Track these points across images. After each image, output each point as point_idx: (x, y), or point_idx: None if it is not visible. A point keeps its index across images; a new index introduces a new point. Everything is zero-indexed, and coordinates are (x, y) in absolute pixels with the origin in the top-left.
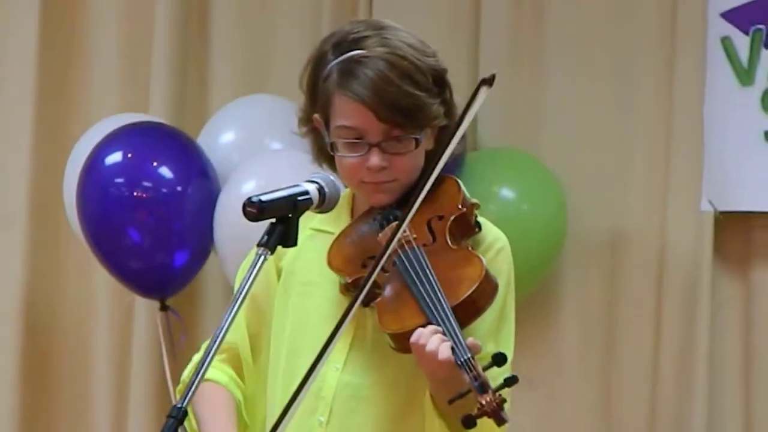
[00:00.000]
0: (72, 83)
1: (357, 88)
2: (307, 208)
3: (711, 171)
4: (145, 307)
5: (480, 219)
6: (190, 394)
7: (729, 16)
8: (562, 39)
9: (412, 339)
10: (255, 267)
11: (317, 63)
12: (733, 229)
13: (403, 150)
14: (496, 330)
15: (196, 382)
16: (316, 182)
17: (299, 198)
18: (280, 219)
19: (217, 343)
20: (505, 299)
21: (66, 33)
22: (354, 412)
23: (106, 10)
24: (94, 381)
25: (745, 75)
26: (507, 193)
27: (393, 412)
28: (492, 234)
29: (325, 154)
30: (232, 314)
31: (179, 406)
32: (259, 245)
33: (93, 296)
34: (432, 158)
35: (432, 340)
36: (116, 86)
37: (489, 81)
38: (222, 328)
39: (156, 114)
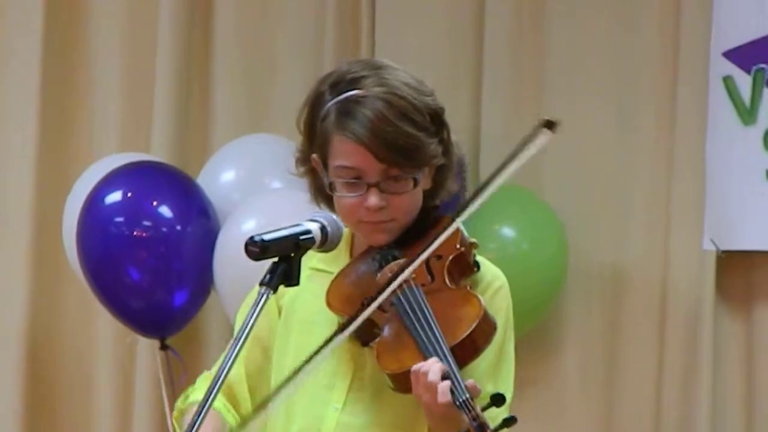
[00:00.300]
0: (73, 122)
1: (355, 128)
2: (310, 248)
3: (713, 209)
4: (146, 347)
5: (478, 258)
6: (195, 428)
7: (731, 55)
8: (563, 79)
9: (414, 368)
10: (257, 306)
11: (315, 103)
12: (736, 268)
13: (401, 190)
14: (494, 369)
15: (198, 422)
16: (318, 221)
17: (301, 237)
18: (282, 258)
19: (220, 380)
20: (504, 338)
21: (68, 71)
22: None
23: (109, 48)
24: (97, 420)
25: (747, 114)
26: (507, 231)
27: None
28: (490, 273)
29: (323, 194)
30: (235, 351)
31: None
32: (261, 284)
33: (95, 335)
34: (429, 197)
35: (433, 369)
36: (118, 125)
37: (552, 126)
38: (225, 366)
39: (157, 153)
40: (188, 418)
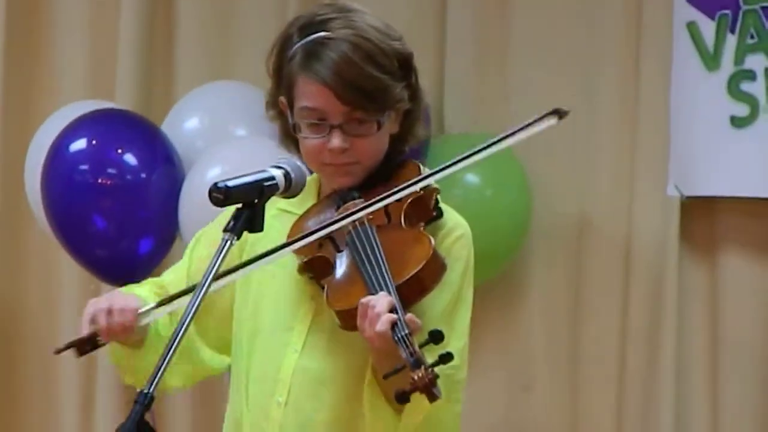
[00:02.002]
0: (38, 70)
1: (319, 70)
2: (273, 194)
3: (677, 156)
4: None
5: (443, 206)
6: (156, 379)
7: (695, 1)
8: (528, 26)
9: (362, 300)
10: (221, 252)
11: (283, 45)
12: (700, 214)
13: (364, 132)
14: (449, 315)
15: (162, 366)
16: (282, 167)
17: (265, 183)
18: (246, 204)
19: (183, 328)
20: (462, 285)
21: (32, 18)
22: (311, 395)
23: (73, 6)
24: (61, 364)
25: (711, 60)
26: (471, 178)
27: (348, 395)
28: (453, 221)
29: (291, 138)
30: (197, 300)
31: (146, 392)
32: (225, 230)
33: (59, 282)
34: (397, 142)
35: (380, 302)
36: (82, 73)
37: (562, 114)
38: (187, 315)
39: (122, 101)
40: None
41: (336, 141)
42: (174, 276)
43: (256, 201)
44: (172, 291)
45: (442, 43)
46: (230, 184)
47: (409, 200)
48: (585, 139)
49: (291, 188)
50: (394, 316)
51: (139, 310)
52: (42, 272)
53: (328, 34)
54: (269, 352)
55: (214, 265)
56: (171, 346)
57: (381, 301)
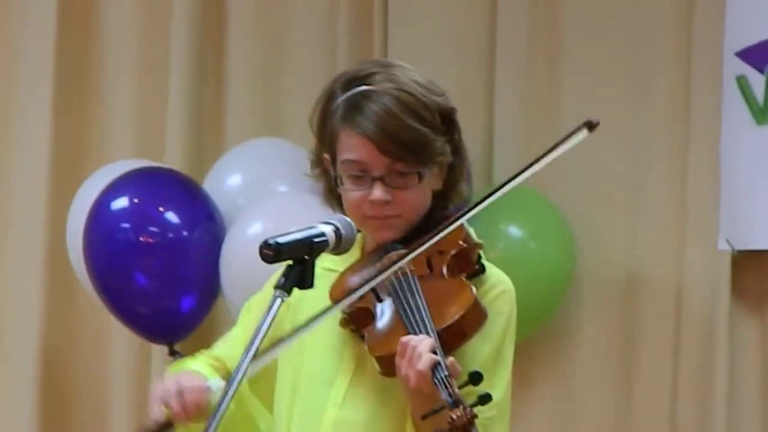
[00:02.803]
0: (87, 127)
1: (361, 122)
2: (324, 250)
3: (728, 209)
4: (159, 353)
5: (486, 263)
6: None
7: (744, 54)
8: (577, 80)
9: (403, 339)
10: (272, 309)
11: (327, 101)
12: (751, 268)
13: (406, 184)
14: (490, 367)
15: (213, 425)
16: (332, 224)
17: (315, 240)
18: (296, 261)
19: (236, 382)
20: (504, 342)
21: (82, 75)
22: None
23: (123, 55)
24: (113, 424)
25: (761, 113)
26: (514, 230)
27: None
28: (496, 276)
29: (334, 195)
30: (249, 356)
31: None
32: (276, 287)
33: (108, 343)
34: (440, 198)
35: (423, 343)
36: (131, 131)
37: (593, 126)
38: (240, 368)
39: (171, 158)
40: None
41: (377, 193)
42: (230, 348)
43: (306, 257)
44: (230, 364)
45: (490, 95)
46: (281, 240)
47: (452, 252)
48: (635, 191)
49: (341, 244)
50: (436, 356)
51: (211, 388)
52: (92, 332)
53: (371, 88)
54: (310, 405)
55: (264, 322)
56: (218, 411)
57: (422, 342)
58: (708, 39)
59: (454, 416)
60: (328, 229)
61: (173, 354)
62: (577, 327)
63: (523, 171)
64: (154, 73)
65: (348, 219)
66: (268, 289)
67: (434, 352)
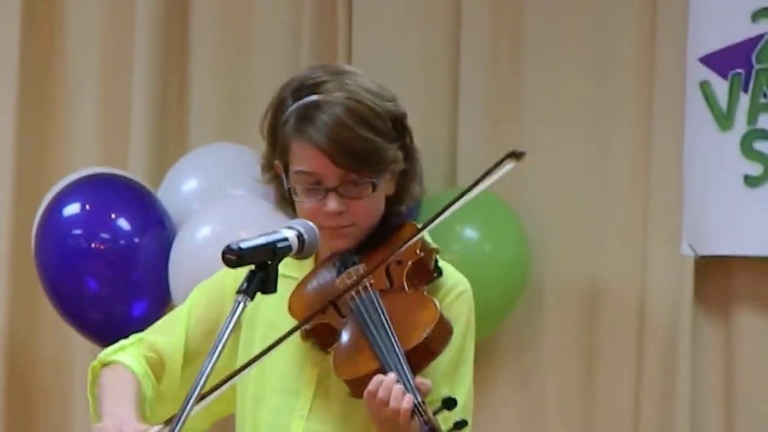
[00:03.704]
0: (50, 136)
1: (313, 134)
2: (287, 255)
3: (691, 215)
4: None
5: (441, 263)
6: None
7: (707, 60)
8: (539, 84)
9: (371, 388)
10: (234, 314)
11: (277, 109)
12: (714, 273)
13: (360, 194)
14: (452, 373)
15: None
16: (295, 229)
17: (278, 245)
18: (259, 265)
19: (195, 393)
20: (464, 342)
21: (45, 84)
22: None
23: (85, 65)
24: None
25: (724, 119)
26: (470, 233)
27: None
28: (453, 278)
29: (286, 201)
30: (212, 363)
31: None
32: (238, 292)
33: (71, 343)
34: (393, 203)
35: (395, 396)
36: (94, 139)
37: (518, 156)
38: (203, 373)
39: (134, 169)
40: (106, 377)
41: (332, 204)
42: (171, 339)
43: (269, 262)
44: (169, 358)
45: (455, 99)
46: (243, 245)
47: (410, 263)
48: (597, 196)
49: (305, 249)
50: (412, 398)
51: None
52: (54, 333)
53: (321, 98)
54: (276, 417)
55: (227, 328)
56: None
57: (393, 389)
58: (671, 44)
59: None
60: (291, 234)
61: None
62: (537, 331)
63: (452, 203)
64: (117, 81)
65: (310, 223)
66: (218, 279)
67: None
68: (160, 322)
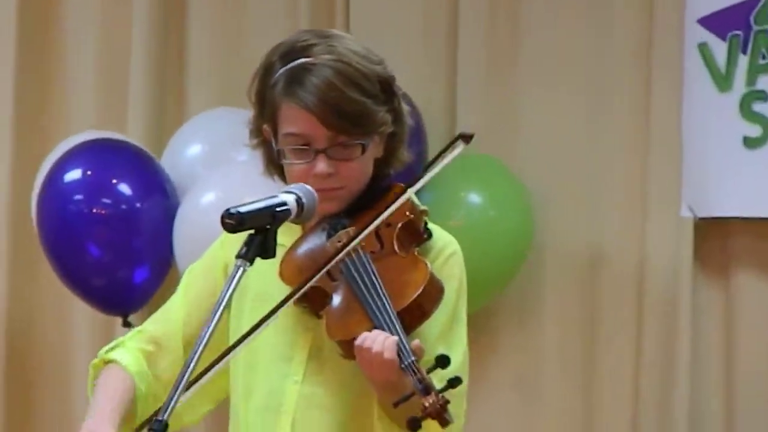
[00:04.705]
0: (48, 100)
1: (302, 95)
2: (286, 219)
3: (690, 177)
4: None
5: (431, 225)
6: (170, 407)
7: (706, 22)
8: (537, 48)
9: (357, 342)
10: (234, 279)
11: (265, 73)
12: (713, 235)
13: (349, 156)
14: (446, 333)
15: (175, 397)
16: (294, 193)
17: (278, 209)
18: (258, 230)
19: (193, 361)
20: (457, 303)
21: (43, 49)
22: (317, 422)
23: (83, 31)
24: (77, 401)
25: (723, 81)
26: (474, 198)
27: (350, 417)
28: (442, 240)
29: (275, 165)
30: (211, 326)
31: (160, 419)
32: (238, 257)
33: (70, 313)
34: (382, 166)
35: (378, 339)
36: (93, 102)
37: (467, 138)
38: (195, 352)
39: (133, 130)
40: (102, 379)
41: (321, 165)
42: (168, 328)
43: (268, 227)
44: (169, 343)
45: (453, 65)
46: (242, 210)
47: (399, 225)
48: (596, 160)
49: (303, 213)
50: (397, 339)
51: None
52: (55, 302)
53: (310, 60)
54: (270, 383)
55: (227, 291)
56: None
57: (378, 338)
58: (669, 6)
59: (427, 403)
60: (290, 198)
61: (127, 325)
62: (538, 296)
63: (408, 187)
64: (115, 45)
65: (309, 187)
66: (206, 260)
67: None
68: (157, 313)
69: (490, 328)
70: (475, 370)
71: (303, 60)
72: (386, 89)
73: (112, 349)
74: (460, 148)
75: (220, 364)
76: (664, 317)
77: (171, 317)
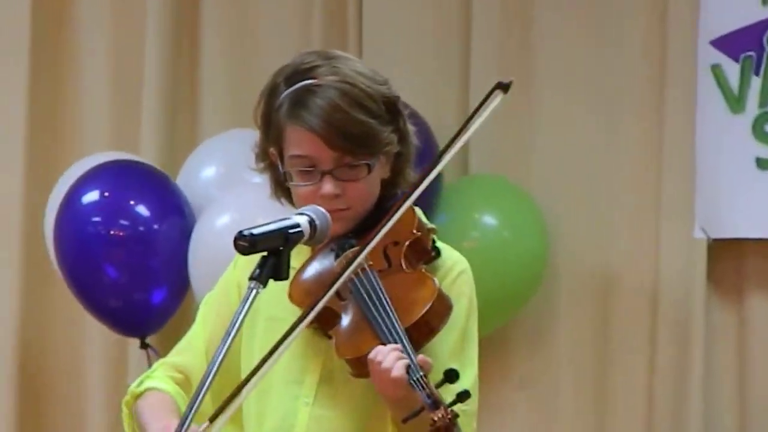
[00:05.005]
0: (61, 121)
1: (307, 117)
2: (299, 241)
3: (703, 198)
4: (135, 344)
5: (439, 244)
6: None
7: (719, 43)
8: (551, 69)
9: (370, 356)
10: (247, 301)
11: (270, 95)
12: (727, 256)
13: (355, 177)
14: (458, 352)
15: (190, 416)
16: (307, 215)
17: (290, 231)
18: (271, 252)
19: (210, 376)
20: (467, 322)
21: (57, 70)
22: None
23: (97, 47)
24: (89, 419)
25: (736, 102)
26: (489, 220)
27: None
28: (451, 259)
29: (282, 188)
30: (225, 347)
31: None
32: (251, 279)
33: (84, 334)
34: (388, 186)
35: (389, 356)
36: (106, 124)
37: (505, 87)
38: (212, 366)
39: (146, 152)
40: (143, 404)
41: (327, 187)
42: (191, 353)
43: (281, 248)
44: (195, 374)
45: (466, 82)
46: (255, 232)
47: (407, 243)
48: (609, 180)
49: (316, 235)
50: (406, 360)
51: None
52: (67, 323)
53: (315, 82)
54: (282, 406)
55: (240, 313)
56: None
57: (389, 355)
58: (682, 28)
59: (435, 418)
60: (302, 220)
61: (145, 347)
62: (552, 317)
63: (450, 144)
64: (128, 66)
65: (322, 210)
66: (221, 286)
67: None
68: (179, 345)
69: (504, 349)
70: (490, 390)
71: (308, 82)
72: (391, 109)
73: (141, 382)
74: (498, 98)
75: (243, 392)
76: (678, 338)
77: (193, 347)
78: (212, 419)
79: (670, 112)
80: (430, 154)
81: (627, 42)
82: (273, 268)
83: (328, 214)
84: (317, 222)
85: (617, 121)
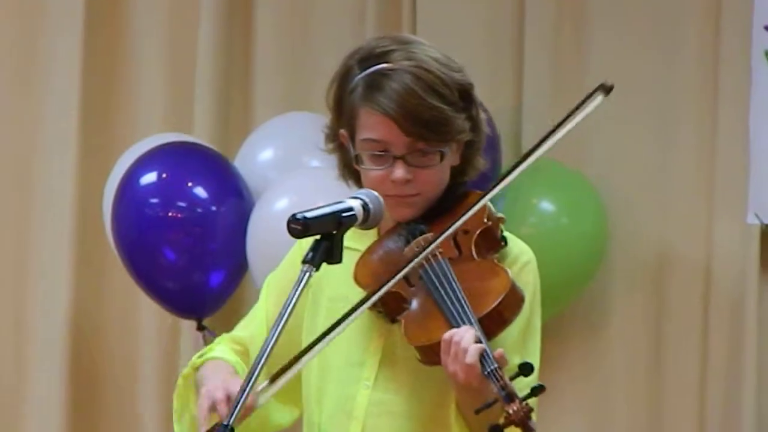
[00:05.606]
0: (116, 105)
1: (382, 101)
2: (352, 225)
3: (757, 184)
4: (189, 327)
5: (506, 234)
6: (235, 412)
7: None
8: (605, 56)
9: (445, 336)
10: (300, 284)
11: (343, 78)
12: None
13: (427, 163)
14: (522, 343)
15: (242, 399)
16: (360, 198)
17: (343, 214)
18: (324, 235)
19: (264, 356)
20: (531, 312)
21: (111, 53)
22: (385, 427)
23: (151, 28)
24: (142, 403)
25: None
26: (546, 206)
27: (421, 425)
28: (518, 248)
29: (351, 170)
30: (278, 330)
31: (226, 423)
32: (304, 262)
33: (139, 317)
34: (457, 174)
35: (465, 336)
36: (161, 107)
37: (608, 89)
38: (267, 346)
39: (200, 133)
40: (203, 368)
41: (399, 172)
42: (251, 328)
43: (334, 232)
44: (251, 344)
45: (519, 71)
46: (308, 215)
47: (477, 232)
48: (663, 167)
49: (369, 219)
50: (482, 346)
51: (258, 389)
52: (122, 305)
53: (390, 66)
54: (341, 388)
55: (293, 298)
56: (246, 386)
57: (466, 335)
58: (737, 13)
59: (511, 411)
60: (356, 204)
61: (201, 329)
62: (608, 303)
63: (541, 141)
64: (182, 48)
65: (375, 193)
66: (286, 266)
67: (479, 342)
68: (241, 322)
69: (562, 335)
70: (545, 376)
71: (382, 65)
72: (465, 97)
73: (202, 354)
74: (598, 100)
75: (298, 363)
76: (731, 323)
77: (255, 321)
78: (273, 380)
79: (725, 96)
80: (493, 144)
81: (680, 28)
82: (326, 251)
83: (381, 198)
84: (371, 206)
85: (672, 107)
